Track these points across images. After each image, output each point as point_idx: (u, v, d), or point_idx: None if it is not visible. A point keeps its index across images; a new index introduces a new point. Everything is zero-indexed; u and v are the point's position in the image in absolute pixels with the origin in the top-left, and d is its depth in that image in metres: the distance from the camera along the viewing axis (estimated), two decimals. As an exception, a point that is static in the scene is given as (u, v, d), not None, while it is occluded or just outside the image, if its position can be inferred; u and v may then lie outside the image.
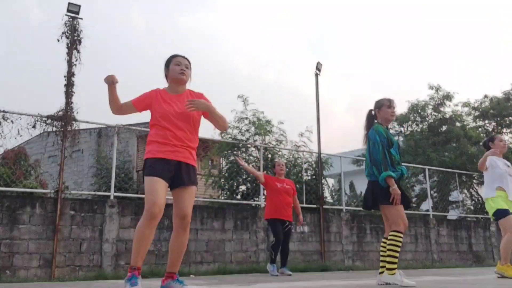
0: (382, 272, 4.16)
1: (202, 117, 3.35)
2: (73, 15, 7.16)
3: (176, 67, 3.30)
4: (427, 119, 15.15)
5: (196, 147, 3.31)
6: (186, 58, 3.38)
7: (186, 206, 3.15)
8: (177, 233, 3.18)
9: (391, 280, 4.00)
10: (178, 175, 3.14)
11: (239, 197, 9.66)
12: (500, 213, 5.44)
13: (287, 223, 6.84)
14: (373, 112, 4.44)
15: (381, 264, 4.21)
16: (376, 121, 4.40)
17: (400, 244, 4.06)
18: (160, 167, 3.07)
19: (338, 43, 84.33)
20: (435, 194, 13.29)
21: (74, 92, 7.03)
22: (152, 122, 3.26)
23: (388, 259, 4.06)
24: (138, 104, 3.29)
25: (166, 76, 3.39)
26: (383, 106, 4.32)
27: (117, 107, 3.25)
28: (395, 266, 4.03)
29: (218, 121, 3.30)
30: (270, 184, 6.94)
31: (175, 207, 3.19)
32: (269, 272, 6.71)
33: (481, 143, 14.33)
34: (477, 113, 15.46)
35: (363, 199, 4.42)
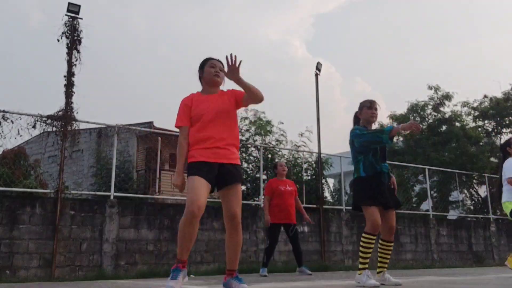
0: (379, 272, 4.18)
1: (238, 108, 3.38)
2: (73, 15, 7.16)
3: (211, 69, 3.34)
4: (426, 119, 15.17)
5: (238, 144, 3.33)
6: (220, 61, 3.40)
7: (233, 206, 3.20)
8: (229, 234, 3.25)
9: (357, 279, 4.05)
10: (221, 176, 3.18)
11: (239, 197, 9.65)
12: None
13: (292, 226, 6.82)
14: (357, 113, 4.44)
15: (379, 264, 4.23)
16: (357, 124, 4.40)
17: (367, 245, 4.05)
18: (203, 167, 3.12)
19: (338, 43, 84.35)
20: (435, 194, 13.30)
21: (74, 92, 7.03)
22: (191, 125, 3.27)
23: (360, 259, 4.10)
24: (188, 122, 3.26)
25: (200, 79, 3.44)
26: (364, 107, 4.32)
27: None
28: (363, 266, 4.04)
29: (252, 94, 3.16)
30: (275, 189, 6.88)
31: (223, 208, 3.24)
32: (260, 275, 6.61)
33: (481, 143, 14.35)
34: (476, 113, 15.48)
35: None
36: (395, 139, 15.61)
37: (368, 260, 4.06)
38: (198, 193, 3.02)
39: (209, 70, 3.36)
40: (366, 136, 4.10)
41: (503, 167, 5.59)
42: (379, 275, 4.17)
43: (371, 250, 4.07)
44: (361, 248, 4.10)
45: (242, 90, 3.24)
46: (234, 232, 3.24)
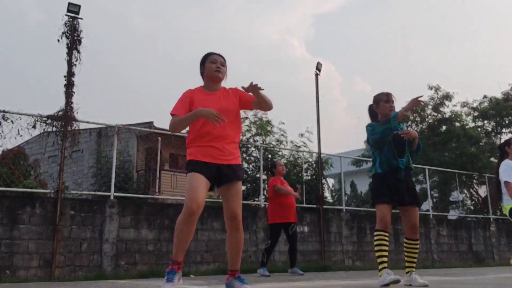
0: (407, 272, 4.09)
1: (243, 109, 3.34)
2: (73, 15, 7.16)
3: (212, 65, 3.26)
4: (426, 119, 15.17)
5: (238, 142, 3.28)
6: (221, 56, 3.34)
7: (233, 205, 3.15)
8: (229, 234, 3.22)
9: (379, 281, 3.96)
10: (221, 174, 3.13)
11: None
12: None
13: (293, 225, 6.81)
14: (374, 107, 4.36)
15: (406, 264, 4.14)
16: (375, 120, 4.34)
17: (380, 242, 3.98)
18: (202, 165, 3.08)
19: (338, 43, 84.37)
20: (435, 194, 13.29)
21: (74, 92, 7.03)
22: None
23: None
24: (184, 113, 3.16)
25: (202, 74, 3.35)
26: (381, 101, 4.24)
27: (184, 128, 3.22)
28: (381, 265, 3.96)
29: (265, 105, 3.22)
30: (277, 183, 6.86)
31: (224, 207, 3.19)
32: (259, 275, 6.58)
33: (481, 143, 14.35)
34: (476, 113, 15.48)
35: None
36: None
37: (385, 259, 3.96)
38: (196, 190, 2.98)
39: (210, 66, 3.27)
40: (377, 134, 4.12)
41: (498, 169, 5.58)
42: (407, 275, 4.09)
43: (386, 248, 3.98)
44: (375, 247, 4.03)
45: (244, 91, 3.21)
46: (235, 232, 3.21)
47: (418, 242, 4.14)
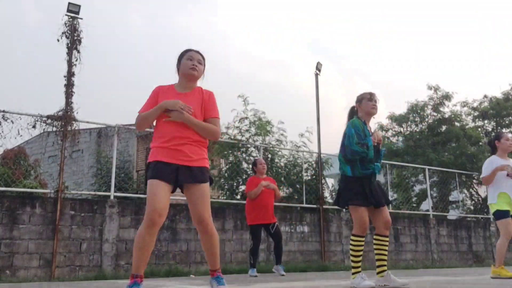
0: (380, 272, 4.02)
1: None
2: (73, 15, 7.17)
3: (188, 62, 3.12)
4: (426, 119, 15.16)
5: (203, 143, 3.09)
6: (199, 53, 3.20)
7: (198, 209, 2.98)
8: (201, 237, 3.08)
9: (352, 284, 3.93)
10: (184, 176, 2.98)
11: (239, 197, 9.66)
12: (499, 215, 5.40)
13: (273, 224, 6.64)
14: (355, 108, 4.28)
15: (377, 263, 4.09)
16: (356, 116, 4.23)
17: (357, 247, 3.95)
18: (163, 169, 2.95)
19: (338, 42, 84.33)
20: (435, 194, 13.30)
21: (74, 92, 7.05)
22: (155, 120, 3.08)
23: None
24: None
25: (178, 71, 3.21)
26: (364, 99, 4.16)
27: (149, 123, 3.11)
28: (356, 270, 3.95)
29: (200, 132, 3.05)
30: (251, 189, 6.62)
31: (190, 211, 3.05)
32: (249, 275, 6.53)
33: (481, 143, 14.36)
34: (476, 113, 15.48)
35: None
36: (394, 139, 15.60)
37: (360, 263, 3.96)
38: (157, 199, 2.85)
39: (186, 62, 3.12)
40: (355, 149, 3.95)
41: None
42: (381, 276, 3.98)
43: (361, 252, 3.98)
44: (351, 252, 3.99)
45: (215, 104, 3.14)
46: (205, 236, 3.03)
47: (388, 238, 4.09)
